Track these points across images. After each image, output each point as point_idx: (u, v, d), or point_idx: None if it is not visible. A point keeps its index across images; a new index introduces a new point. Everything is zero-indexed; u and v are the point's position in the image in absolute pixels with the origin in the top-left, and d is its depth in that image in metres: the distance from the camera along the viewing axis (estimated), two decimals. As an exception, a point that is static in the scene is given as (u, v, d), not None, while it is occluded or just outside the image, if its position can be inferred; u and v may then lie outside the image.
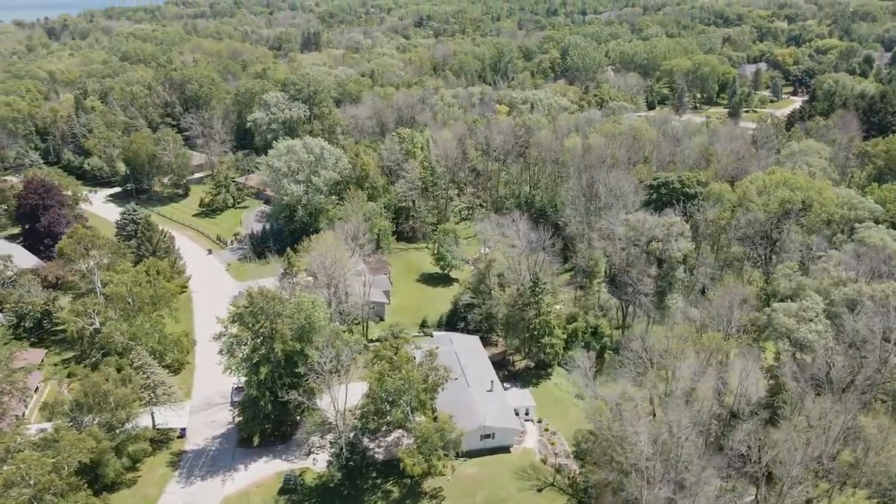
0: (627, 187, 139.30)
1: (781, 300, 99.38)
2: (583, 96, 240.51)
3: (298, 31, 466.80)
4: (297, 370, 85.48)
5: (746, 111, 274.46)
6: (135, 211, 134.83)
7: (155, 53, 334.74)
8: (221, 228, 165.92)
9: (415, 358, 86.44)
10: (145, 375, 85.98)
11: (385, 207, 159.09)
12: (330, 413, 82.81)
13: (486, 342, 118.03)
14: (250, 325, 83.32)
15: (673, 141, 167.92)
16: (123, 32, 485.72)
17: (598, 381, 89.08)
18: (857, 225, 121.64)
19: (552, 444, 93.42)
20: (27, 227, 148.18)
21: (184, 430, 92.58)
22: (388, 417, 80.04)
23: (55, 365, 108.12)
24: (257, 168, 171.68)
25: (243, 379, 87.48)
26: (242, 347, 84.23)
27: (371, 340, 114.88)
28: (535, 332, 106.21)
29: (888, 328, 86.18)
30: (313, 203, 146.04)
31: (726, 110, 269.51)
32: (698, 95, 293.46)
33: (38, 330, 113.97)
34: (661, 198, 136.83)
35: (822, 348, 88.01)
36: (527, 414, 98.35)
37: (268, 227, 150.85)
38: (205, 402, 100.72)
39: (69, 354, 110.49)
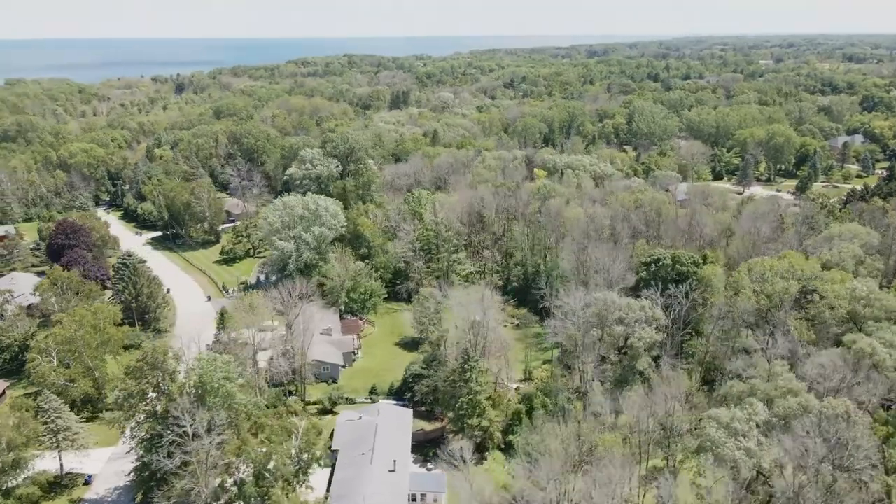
0: (619, 263, 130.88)
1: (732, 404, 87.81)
2: (632, 164, 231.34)
3: (390, 89, 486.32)
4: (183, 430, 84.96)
5: (825, 186, 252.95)
6: (129, 256, 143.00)
7: (245, 108, 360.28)
8: (233, 276, 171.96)
9: (296, 431, 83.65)
10: (49, 419, 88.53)
11: (382, 267, 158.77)
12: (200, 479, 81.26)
13: (432, 416, 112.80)
14: (139, 379, 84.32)
15: (691, 215, 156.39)
16: (235, 88, 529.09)
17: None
18: (870, 324, 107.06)
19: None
20: (53, 264, 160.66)
21: (90, 477, 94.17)
22: (245, 488, 77.32)
23: (17, 397, 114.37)
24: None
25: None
26: (130, 400, 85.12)
27: (308, 403, 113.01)
28: (463, 412, 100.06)
29: (832, 450, 73.44)
30: (303, 258, 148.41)
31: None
32: (774, 167, 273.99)
33: (16, 361, 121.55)
34: (650, 276, 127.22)
35: (749, 469, 76.20)
36: (435, 502, 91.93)
37: (262, 278, 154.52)
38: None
39: (34, 389, 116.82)
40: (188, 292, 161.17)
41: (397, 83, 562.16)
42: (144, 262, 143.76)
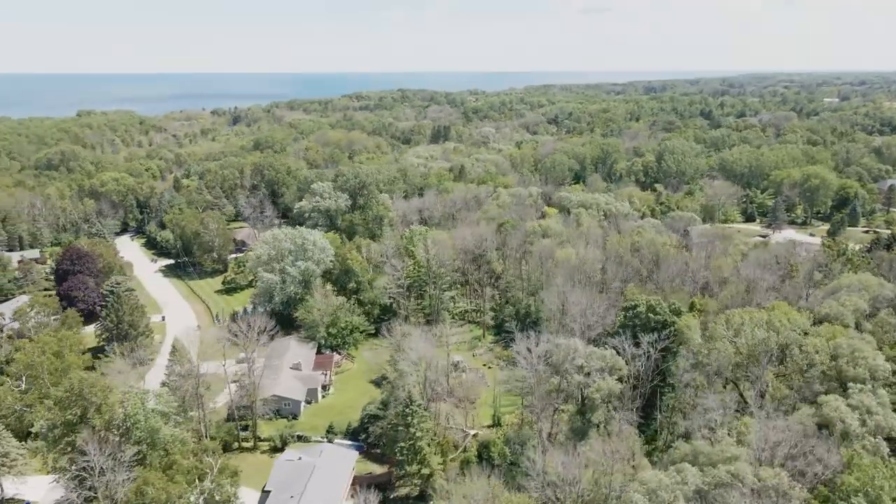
0: (598, 308, 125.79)
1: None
2: (651, 203, 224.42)
3: (432, 124, 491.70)
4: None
5: (866, 231, 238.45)
6: (118, 284, 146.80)
7: (283, 140, 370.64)
8: (230, 305, 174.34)
9: (211, 471, 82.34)
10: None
11: (370, 303, 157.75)
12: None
13: (385, 459, 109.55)
14: (65, 410, 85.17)
15: (689, 259, 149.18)
16: (284, 121, 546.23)
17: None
18: (851, 385, 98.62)
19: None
20: (57, 288, 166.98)
21: (28, 503, 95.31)
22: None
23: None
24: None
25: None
26: (54, 431, 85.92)
27: (260, 440, 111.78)
28: (402, 458, 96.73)
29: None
30: (287, 291, 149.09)
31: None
32: (811, 210, 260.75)
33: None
34: (626, 323, 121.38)
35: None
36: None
37: (249, 309, 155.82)
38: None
39: None
40: (183, 320, 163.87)
41: (442, 118, 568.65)
42: (132, 290, 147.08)
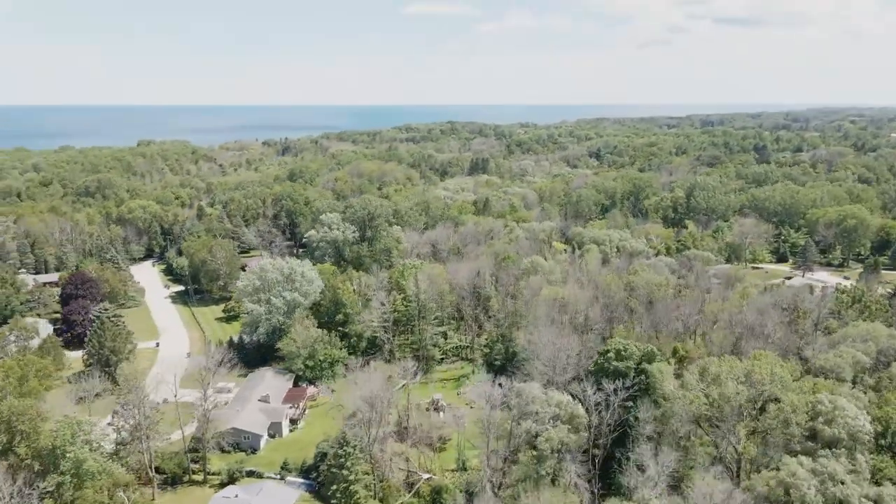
0: (571, 350, 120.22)
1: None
2: (667, 241, 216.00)
3: (470, 156, 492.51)
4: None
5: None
6: (105, 310, 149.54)
7: (318, 171, 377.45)
8: (227, 333, 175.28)
9: None
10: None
11: (356, 335, 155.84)
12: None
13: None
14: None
15: (687, 303, 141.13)
16: (328, 152, 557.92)
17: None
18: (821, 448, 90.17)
19: None
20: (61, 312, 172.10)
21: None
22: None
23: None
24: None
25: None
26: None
27: (210, 474, 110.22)
28: (335, 501, 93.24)
29: None
30: (271, 322, 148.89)
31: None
32: (849, 251, 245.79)
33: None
34: (598, 367, 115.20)
35: None
36: None
37: (235, 339, 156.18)
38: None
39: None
40: (177, 347, 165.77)
41: (484, 150, 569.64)
42: (119, 316, 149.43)
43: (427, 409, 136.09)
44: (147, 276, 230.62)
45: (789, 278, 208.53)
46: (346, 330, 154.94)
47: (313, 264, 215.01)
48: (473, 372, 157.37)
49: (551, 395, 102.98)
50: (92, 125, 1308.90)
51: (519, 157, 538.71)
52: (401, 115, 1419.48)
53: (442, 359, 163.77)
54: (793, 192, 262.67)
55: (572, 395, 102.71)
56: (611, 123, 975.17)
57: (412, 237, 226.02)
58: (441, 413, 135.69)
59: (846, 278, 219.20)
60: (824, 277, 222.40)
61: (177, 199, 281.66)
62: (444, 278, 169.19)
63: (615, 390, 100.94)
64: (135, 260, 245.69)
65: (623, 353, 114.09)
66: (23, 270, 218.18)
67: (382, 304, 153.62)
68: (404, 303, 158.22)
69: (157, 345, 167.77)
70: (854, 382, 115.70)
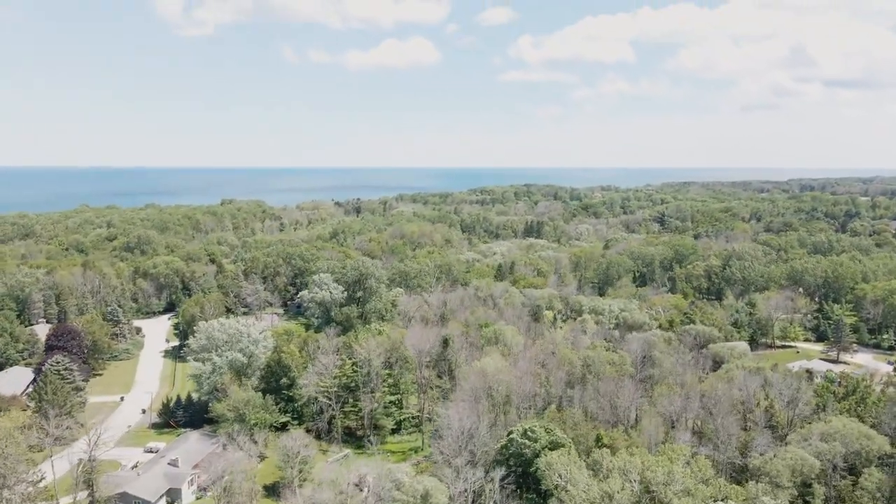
0: (481, 430, 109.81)
1: None
2: (674, 313, 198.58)
3: (525, 219, 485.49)
4: None
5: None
6: (58, 363, 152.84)
7: (360, 230, 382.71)
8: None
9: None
10: None
11: (303, 401, 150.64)
12: None
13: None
14: None
15: (632, 386, 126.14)
16: (392, 213, 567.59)
17: None
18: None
19: None
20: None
21: None
22: None
23: None
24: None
25: None
26: None
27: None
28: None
29: None
30: (212, 381, 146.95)
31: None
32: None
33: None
34: (504, 451, 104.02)
35: None
36: None
37: (183, 397, 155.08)
38: None
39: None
40: (140, 402, 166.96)
41: (547, 213, 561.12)
42: (70, 370, 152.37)
43: (353, 485, 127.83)
44: (159, 329, 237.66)
45: (805, 360, 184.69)
46: (291, 394, 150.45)
47: (306, 325, 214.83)
48: (423, 446, 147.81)
49: (420, 479, 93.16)
50: (207, 184, 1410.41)
51: (582, 220, 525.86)
52: (489, 178, 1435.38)
53: (395, 429, 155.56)
54: (836, 265, 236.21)
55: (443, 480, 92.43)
56: (698, 187, 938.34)
57: (416, 300, 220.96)
58: (365, 491, 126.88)
59: (890, 363, 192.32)
60: (865, 361, 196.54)
61: (208, 255, 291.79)
62: (407, 343, 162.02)
63: (503, 478, 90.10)
64: (154, 313, 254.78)
65: (530, 435, 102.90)
66: (42, 320, 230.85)
67: (326, 368, 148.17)
68: (354, 368, 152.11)
69: (122, 399, 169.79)
70: (804, 491, 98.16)
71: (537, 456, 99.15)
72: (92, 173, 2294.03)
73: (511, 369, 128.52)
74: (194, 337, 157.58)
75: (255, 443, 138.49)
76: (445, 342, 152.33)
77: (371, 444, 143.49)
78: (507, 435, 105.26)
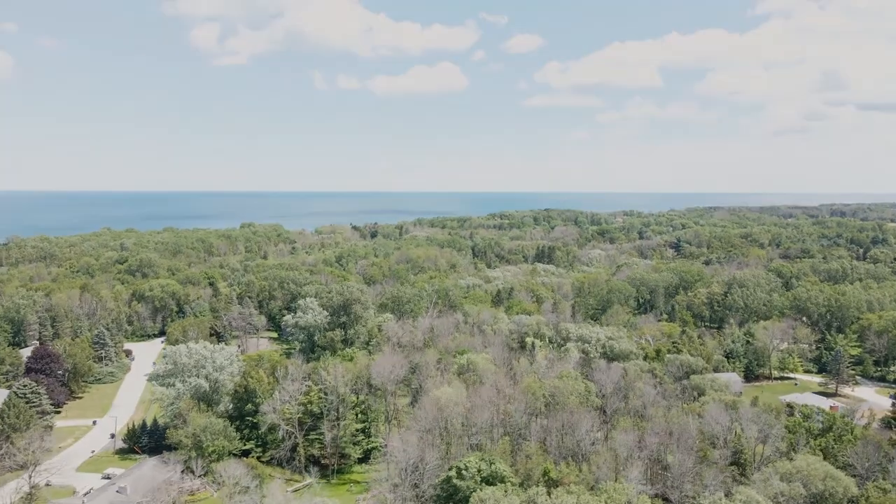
0: (428, 462, 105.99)
1: None
2: (659, 344, 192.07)
3: (536, 244, 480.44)
4: None
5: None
6: (25, 386, 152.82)
7: (367, 254, 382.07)
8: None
9: None
10: None
11: (268, 428, 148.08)
12: None
13: None
14: None
15: (593, 418, 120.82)
16: (406, 237, 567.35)
17: None
18: None
19: None
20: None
21: None
22: None
23: None
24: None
25: None
26: None
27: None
28: None
29: None
30: (174, 407, 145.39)
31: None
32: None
33: None
34: (441, 488, 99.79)
35: None
36: None
37: (149, 422, 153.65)
38: None
39: None
40: (111, 427, 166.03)
41: (561, 238, 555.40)
42: (38, 394, 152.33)
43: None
44: (151, 352, 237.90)
45: (836, 391, 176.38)
46: (256, 420, 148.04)
47: (289, 350, 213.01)
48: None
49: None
50: (236, 209, 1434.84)
51: (595, 245, 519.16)
52: (515, 203, 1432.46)
53: (362, 458, 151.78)
54: (839, 293, 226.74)
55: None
56: (723, 212, 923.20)
57: (404, 326, 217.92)
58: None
59: (892, 397, 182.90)
60: (867, 394, 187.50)
61: (207, 278, 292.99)
62: (376, 370, 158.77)
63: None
64: (148, 336, 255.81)
65: (464, 472, 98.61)
66: (36, 342, 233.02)
67: (290, 395, 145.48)
68: (320, 395, 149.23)
69: (94, 423, 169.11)
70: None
71: (474, 492, 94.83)
72: (129, 198, 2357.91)
73: (473, 398, 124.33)
74: (163, 361, 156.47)
75: (212, 471, 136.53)
76: (413, 370, 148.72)
77: (331, 473, 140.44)
78: (448, 469, 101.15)
